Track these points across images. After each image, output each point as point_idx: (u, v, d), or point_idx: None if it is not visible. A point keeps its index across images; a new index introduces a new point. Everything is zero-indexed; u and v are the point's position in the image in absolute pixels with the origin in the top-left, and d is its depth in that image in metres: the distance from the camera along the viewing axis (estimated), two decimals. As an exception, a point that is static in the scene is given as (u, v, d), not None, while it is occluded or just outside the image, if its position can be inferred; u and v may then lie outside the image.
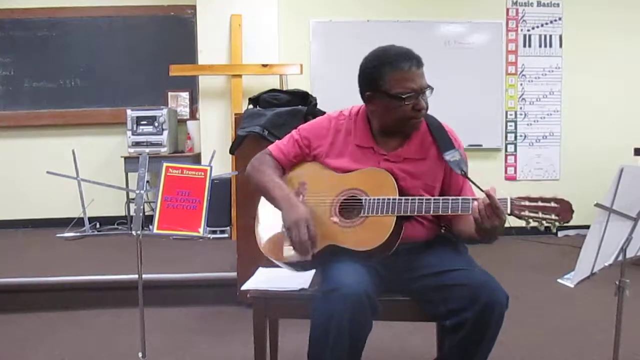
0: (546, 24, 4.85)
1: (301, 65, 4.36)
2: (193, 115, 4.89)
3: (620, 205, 1.44)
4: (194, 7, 4.54)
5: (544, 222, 1.39)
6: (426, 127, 1.70)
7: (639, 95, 4.89)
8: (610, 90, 4.85)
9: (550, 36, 4.86)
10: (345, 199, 1.64)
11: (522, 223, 1.43)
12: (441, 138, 1.68)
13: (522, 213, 1.41)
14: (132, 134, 4.45)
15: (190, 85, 4.75)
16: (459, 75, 4.68)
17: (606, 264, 1.50)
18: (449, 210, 1.52)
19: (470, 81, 4.73)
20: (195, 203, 1.89)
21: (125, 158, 4.44)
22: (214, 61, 4.39)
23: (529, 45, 4.86)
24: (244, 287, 1.79)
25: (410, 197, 1.56)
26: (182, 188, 1.90)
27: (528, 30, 4.85)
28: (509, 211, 1.42)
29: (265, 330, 1.80)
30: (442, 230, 1.77)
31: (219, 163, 3.34)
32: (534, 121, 4.92)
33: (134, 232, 1.92)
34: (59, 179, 2.24)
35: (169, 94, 4.89)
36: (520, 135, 4.92)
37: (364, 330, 1.48)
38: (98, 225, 4.64)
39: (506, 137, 4.91)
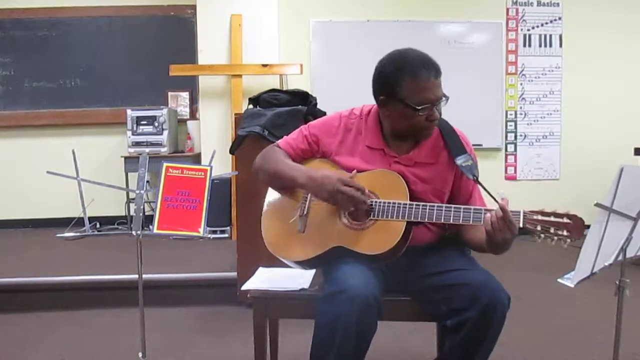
0: (546, 23, 4.86)
1: (301, 65, 4.35)
2: (193, 115, 4.89)
3: (620, 205, 1.44)
4: (194, 7, 4.54)
5: (555, 237, 1.38)
6: (438, 132, 1.67)
7: (639, 95, 4.89)
8: (610, 90, 4.84)
9: (550, 36, 4.86)
10: None
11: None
12: (452, 142, 1.66)
13: (535, 228, 1.40)
14: (132, 134, 4.45)
15: (190, 85, 4.75)
16: (459, 75, 4.66)
17: (606, 264, 1.50)
18: (461, 219, 1.50)
19: (471, 81, 4.72)
20: (195, 203, 1.89)
21: (125, 158, 4.44)
22: (214, 61, 4.39)
23: (529, 45, 4.86)
24: (244, 287, 1.79)
25: (421, 203, 1.53)
26: (182, 188, 1.90)
27: (528, 30, 4.86)
28: (521, 224, 1.41)
29: (265, 330, 1.80)
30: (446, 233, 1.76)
31: (219, 163, 3.33)
32: (534, 121, 4.92)
33: (134, 232, 1.93)
34: (59, 179, 2.24)
35: (169, 94, 4.89)
36: (520, 135, 4.92)
37: (370, 332, 1.47)
38: (98, 225, 4.64)
39: (506, 136, 4.91)
